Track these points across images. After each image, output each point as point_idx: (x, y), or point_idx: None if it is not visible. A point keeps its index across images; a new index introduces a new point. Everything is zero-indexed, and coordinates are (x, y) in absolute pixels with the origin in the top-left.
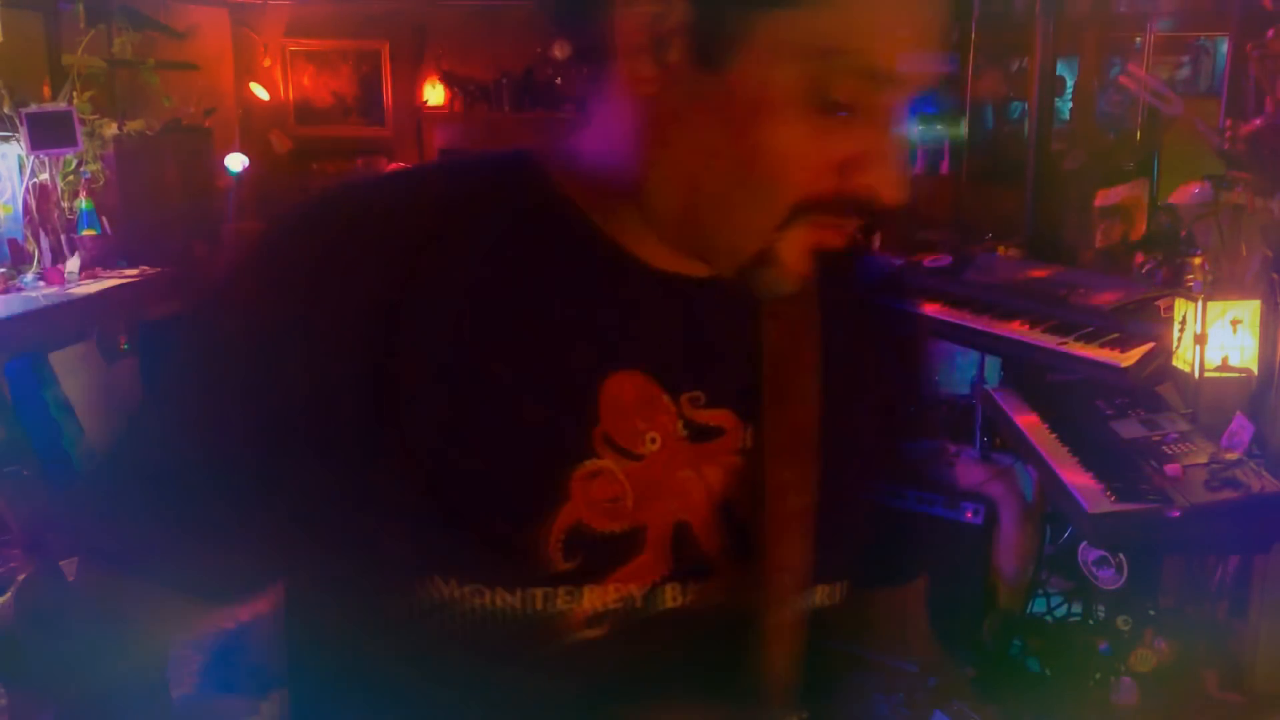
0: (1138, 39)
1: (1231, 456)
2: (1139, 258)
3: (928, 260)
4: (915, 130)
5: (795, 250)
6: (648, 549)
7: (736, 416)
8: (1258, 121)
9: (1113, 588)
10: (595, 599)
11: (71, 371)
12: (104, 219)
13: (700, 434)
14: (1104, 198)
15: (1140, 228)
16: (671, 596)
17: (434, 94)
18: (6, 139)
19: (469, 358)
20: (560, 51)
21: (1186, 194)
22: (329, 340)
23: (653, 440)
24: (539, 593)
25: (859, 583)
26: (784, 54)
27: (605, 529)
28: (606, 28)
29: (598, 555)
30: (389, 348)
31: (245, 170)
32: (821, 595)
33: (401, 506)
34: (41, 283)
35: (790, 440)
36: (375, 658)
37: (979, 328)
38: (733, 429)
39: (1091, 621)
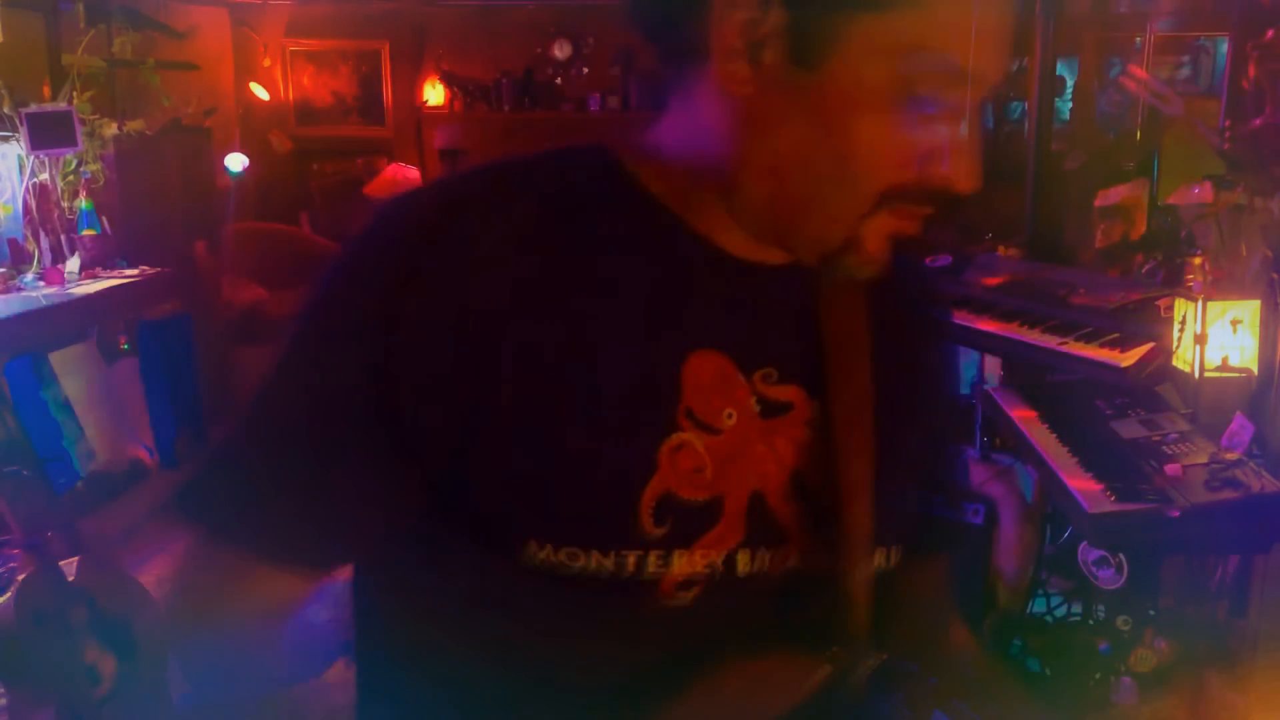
0: (1138, 39)
1: (1231, 456)
2: (1139, 258)
3: (928, 260)
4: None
5: (877, 237)
6: (724, 518)
7: (804, 392)
8: (1257, 122)
9: (1113, 588)
10: (684, 565)
11: (71, 371)
12: (104, 219)
13: (772, 409)
14: (1104, 198)
15: (1140, 228)
16: (743, 563)
17: (434, 94)
18: (6, 139)
19: (569, 341)
20: (561, 51)
21: (1186, 194)
22: (439, 331)
23: (729, 416)
24: (632, 556)
25: (911, 548)
26: (874, 53)
27: (690, 498)
28: (701, 32)
29: (685, 523)
30: (495, 333)
31: (245, 170)
32: (880, 558)
33: (506, 474)
34: (41, 283)
35: (851, 413)
36: (468, 621)
37: (979, 328)
38: (801, 403)
39: (1091, 621)
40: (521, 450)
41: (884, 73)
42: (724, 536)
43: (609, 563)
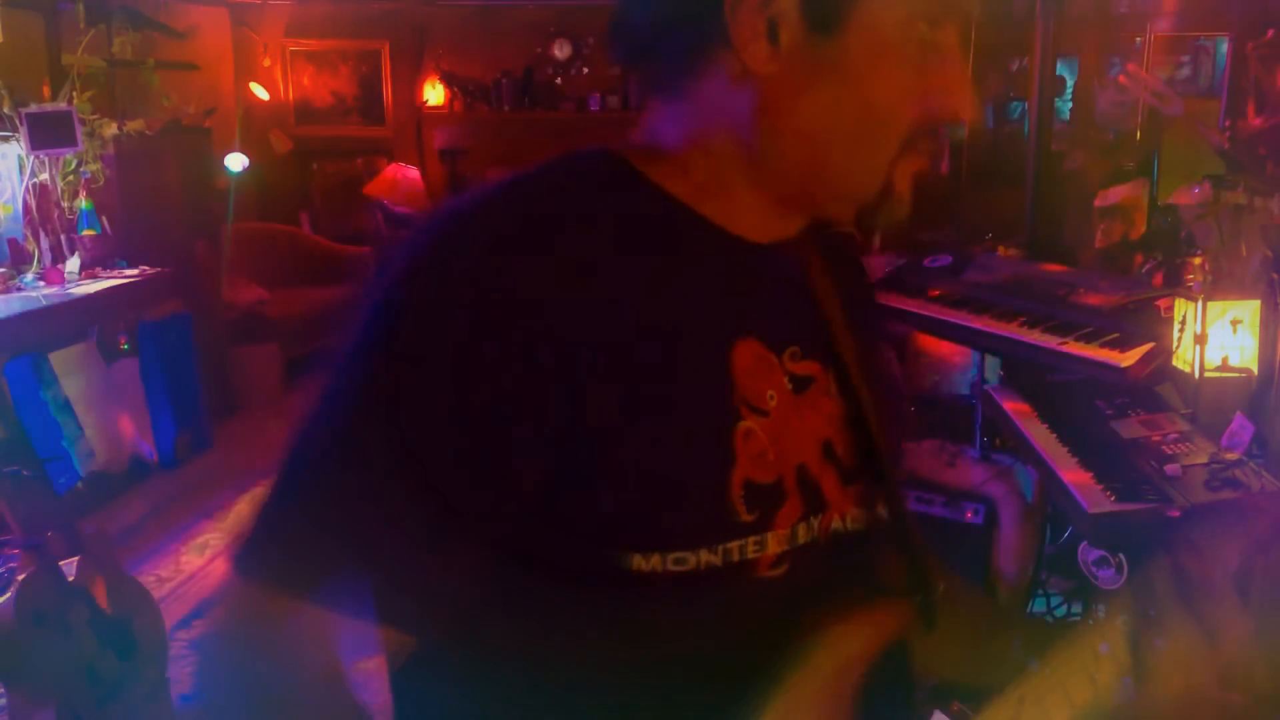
0: (1138, 39)
1: (1231, 456)
2: (1139, 258)
3: (928, 260)
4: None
5: (904, 178)
6: (789, 495)
7: (821, 365)
8: (1258, 121)
9: (1113, 588)
10: (775, 543)
11: (71, 371)
12: (104, 219)
13: (801, 385)
14: (1104, 198)
15: (1140, 228)
16: (804, 534)
17: (434, 94)
18: (6, 139)
19: (632, 356)
20: (561, 51)
21: (1186, 194)
22: (513, 369)
23: (772, 397)
24: (735, 546)
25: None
26: (889, 6)
27: (765, 480)
28: (716, 22)
29: (767, 504)
30: (566, 362)
31: (245, 170)
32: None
33: (600, 499)
34: (41, 283)
35: (859, 378)
36: (575, 643)
37: (979, 328)
38: (820, 376)
39: (1091, 621)
40: (612, 472)
41: (898, 21)
42: (791, 512)
43: (716, 558)
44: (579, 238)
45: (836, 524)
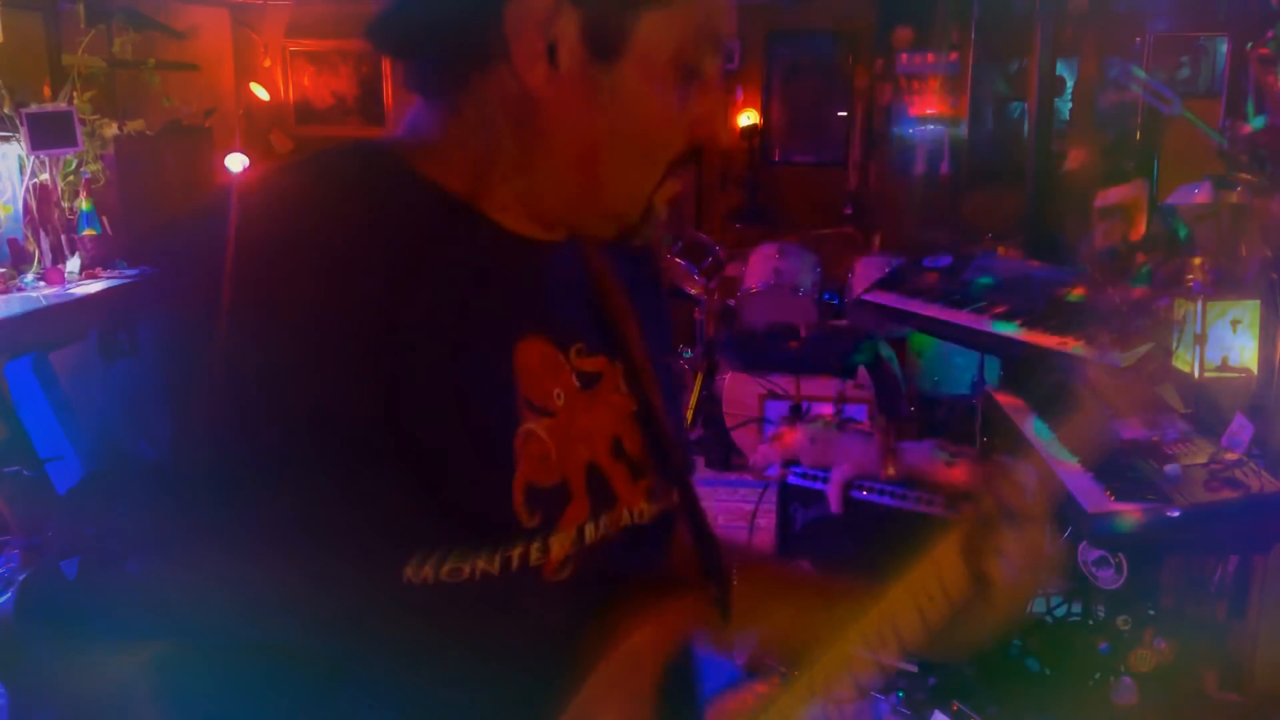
0: (1138, 39)
1: (1231, 456)
2: (1139, 258)
3: (928, 260)
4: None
5: (664, 202)
6: (574, 496)
7: (608, 359)
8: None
9: (1113, 588)
10: (560, 546)
11: (71, 371)
12: (104, 219)
13: (588, 381)
14: (1104, 198)
15: (1140, 228)
16: (590, 534)
17: None
18: (6, 139)
19: (411, 357)
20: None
21: (1186, 194)
22: (268, 363)
23: (559, 396)
24: (516, 553)
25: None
26: (661, 39)
27: (548, 483)
28: (496, 36)
29: (551, 507)
30: (345, 360)
31: (245, 170)
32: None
33: (376, 499)
34: (41, 283)
35: (642, 370)
36: (363, 653)
37: (979, 328)
38: (609, 371)
39: (1091, 621)
40: (384, 477)
41: (670, 53)
42: (576, 514)
43: (494, 566)
44: (346, 236)
45: (626, 519)
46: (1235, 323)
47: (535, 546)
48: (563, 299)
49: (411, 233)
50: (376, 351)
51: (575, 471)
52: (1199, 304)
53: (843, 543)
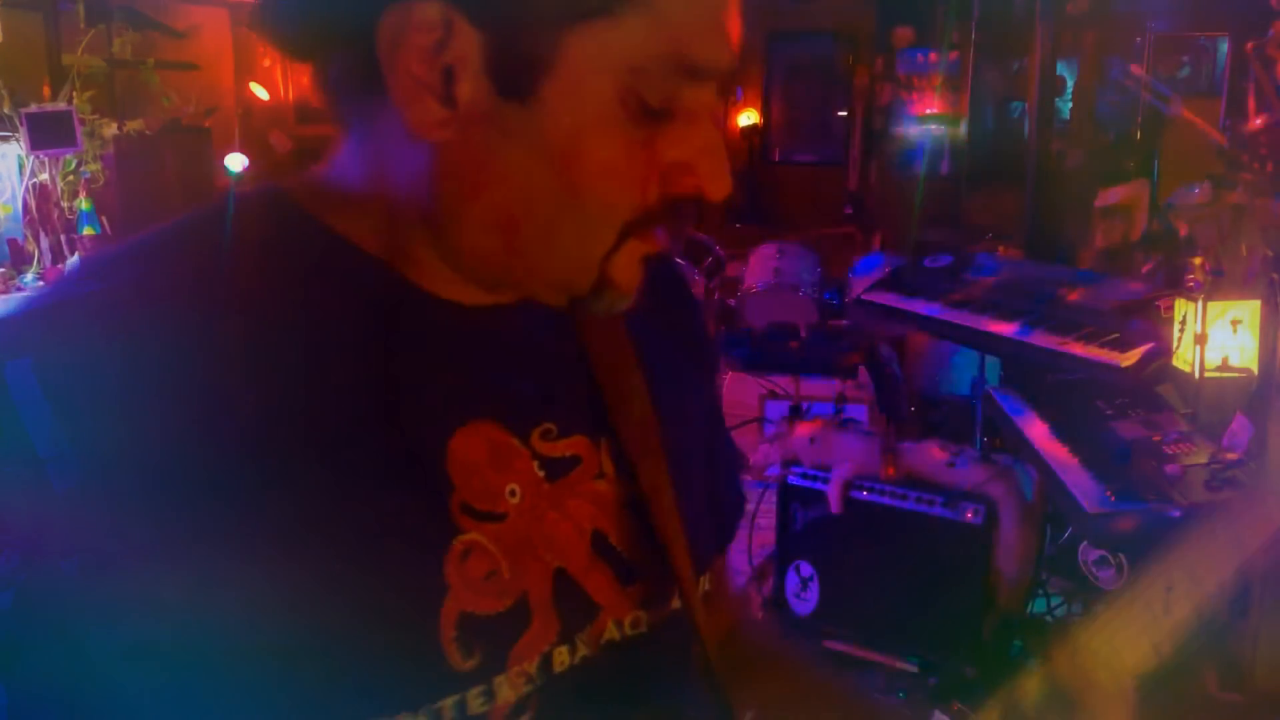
0: (1138, 39)
1: (1231, 456)
2: (1139, 258)
3: (928, 260)
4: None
5: (628, 268)
6: (535, 617)
7: (588, 440)
8: (1258, 121)
9: (1114, 588)
10: (510, 688)
11: None
12: (104, 219)
13: (557, 469)
14: (1104, 198)
15: (1140, 228)
16: (559, 661)
17: None
18: (6, 139)
19: (304, 457)
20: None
21: (1186, 194)
22: (170, 478)
23: (512, 493)
24: (448, 704)
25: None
26: (597, 68)
27: (491, 610)
28: (370, 58)
29: (495, 641)
30: (230, 472)
31: (245, 170)
32: (704, 584)
33: (274, 648)
34: (41, 283)
35: (642, 449)
36: None
37: (979, 328)
38: (588, 453)
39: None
40: (273, 618)
41: (608, 89)
42: (536, 639)
43: None
44: (233, 310)
45: (611, 633)
46: (1235, 323)
47: (475, 693)
48: (521, 372)
49: (308, 309)
50: (263, 459)
51: (538, 585)
52: (1199, 304)
53: (843, 543)
